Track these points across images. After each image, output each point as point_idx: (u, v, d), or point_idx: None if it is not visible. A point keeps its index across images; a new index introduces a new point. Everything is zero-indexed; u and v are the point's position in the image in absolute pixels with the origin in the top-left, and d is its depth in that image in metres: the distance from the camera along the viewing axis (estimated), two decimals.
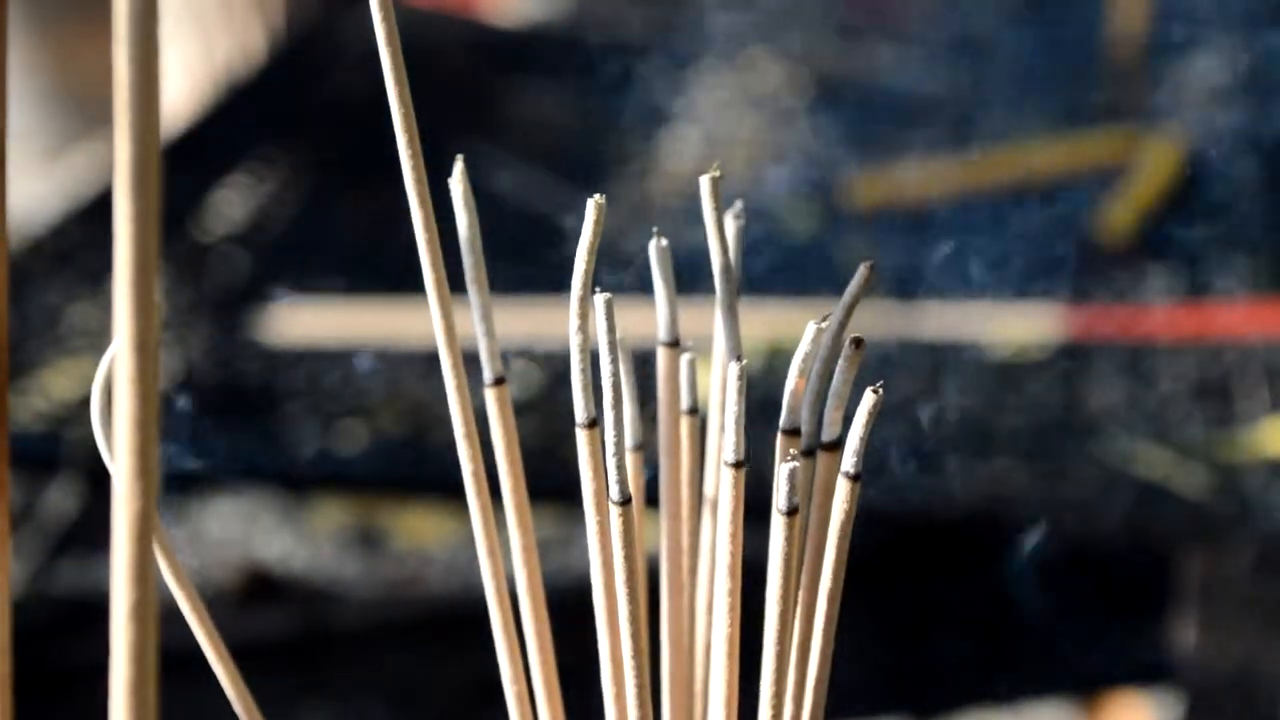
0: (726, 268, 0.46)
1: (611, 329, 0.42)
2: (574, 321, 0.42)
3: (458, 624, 1.14)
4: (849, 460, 0.42)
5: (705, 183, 0.45)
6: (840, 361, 0.43)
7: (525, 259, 1.35)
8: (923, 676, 1.28)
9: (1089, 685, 1.37)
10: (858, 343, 0.43)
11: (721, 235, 0.46)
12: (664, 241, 0.47)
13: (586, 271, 0.42)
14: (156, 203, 0.30)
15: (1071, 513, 1.13)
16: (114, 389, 0.31)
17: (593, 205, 0.42)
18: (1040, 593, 1.26)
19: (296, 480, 1.22)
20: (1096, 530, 1.14)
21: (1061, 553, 1.23)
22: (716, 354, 0.48)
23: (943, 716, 1.29)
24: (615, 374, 0.41)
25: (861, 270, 0.43)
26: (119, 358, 0.30)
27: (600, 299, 0.42)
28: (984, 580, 1.25)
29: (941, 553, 1.23)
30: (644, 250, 0.48)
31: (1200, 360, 1.28)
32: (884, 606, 1.24)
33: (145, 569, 0.30)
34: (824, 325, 0.43)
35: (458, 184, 0.45)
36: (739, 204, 0.48)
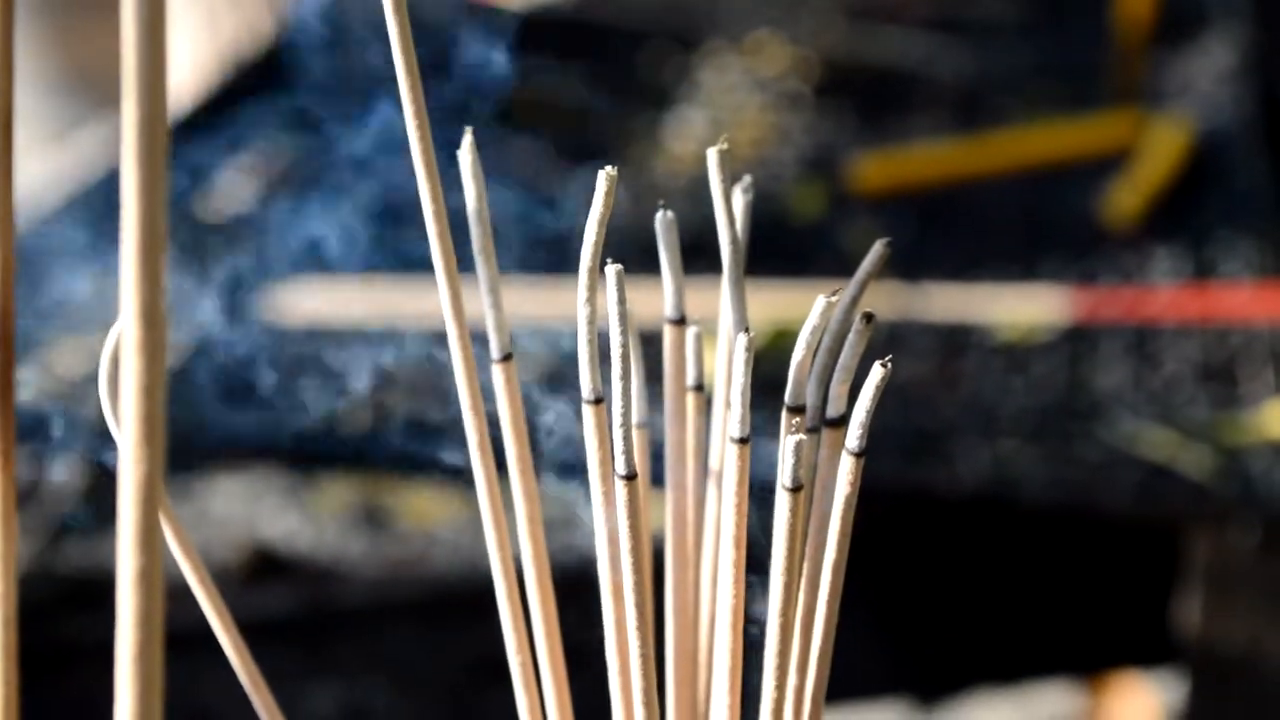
0: (734, 241, 0.46)
1: (621, 301, 0.41)
2: (582, 294, 0.42)
3: (462, 603, 1.14)
4: (854, 437, 0.42)
5: (713, 155, 0.45)
6: (850, 336, 0.42)
7: (531, 239, 1.35)
8: (927, 657, 1.29)
9: (1093, 665, 1.37)
10: (868, 318, 0.42)
11: (729, 208, 0.45)
12: (670, 214, 0.46)
13: (596, 243, 0.42)
14: (164, 169, 0.30)
15: (1076, 494, 1.13)
16: (121, 355, 0.31)
17: (604, 177, 0.42)
18: (1044, 573, 1.26)
19: (302, 459, 1.22)
20: (1101, 511, 1.14)
21: (1066, 533, 1.23)
22: (722, 331, 0.48)
23: (947, 697, 1.29)
24: (624, 345, 0.41)
25: (877, 247, 0.42)
26: (126, 324, 0.30)
27: (611, 270, 0.41)
28: (989, 561, 1.25)
29: (947, 533, 1.23)
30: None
31: (1206, 343, 1.28)
32: (888, 588, 1.24)
33: (151, 535, 0.30)
34: (833, 299, 0.42)
35: (466, 155, 0.45)
36: (747, 178, 0.48)
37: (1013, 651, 1.27)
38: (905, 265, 1.39)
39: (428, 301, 1.26)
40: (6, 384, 0.44)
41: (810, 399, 0.44)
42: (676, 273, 0.47)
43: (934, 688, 1.28)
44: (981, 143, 1.64)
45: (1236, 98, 1.70)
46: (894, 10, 1.98)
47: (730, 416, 0.43)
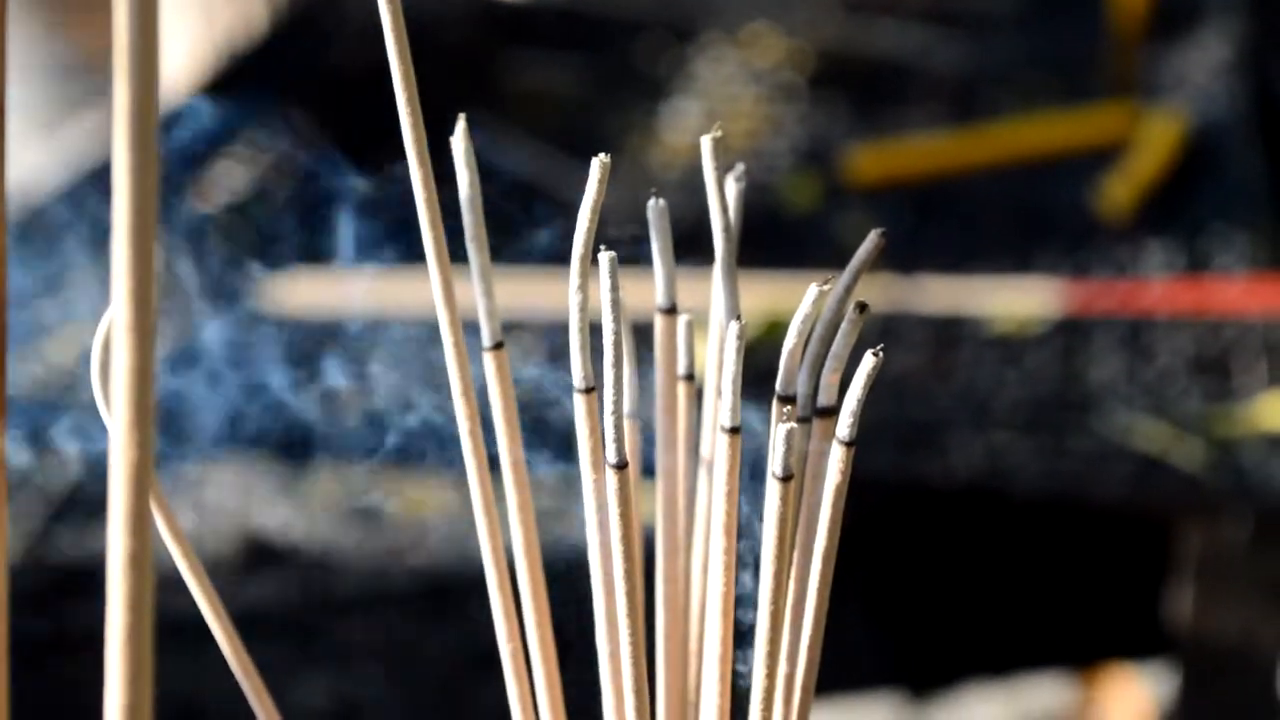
0: (726, 228, 0.46)
1: (615, 287, 0.41)
2: (574, 280, 0.42)
3: (454, 593, 1.14)
4: (845, 425, 0.42)
5: (706, 143, 0.45)
6: (843, 325, 0.42)
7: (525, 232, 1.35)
8: (920, 649, 1.29)
9: (1085, 658, 1.37)
10: (862, 307, 0.42)
11: (722, 196, 0.45)
12: (661, 202, 0.46)
13: (589, 230, 0.42)
14: (155, 152, 0.30)
15: (1069, 486, 1.13)
16: (111, 339, 0.31)
17: (597, 164, 0.41)
18: (1037, 565, 1.26)
19: (295, 450, 1.22)
20: (1094, 503, 1.14)
21: (1058, 525, 1.23)
22: (714, 320, 0.47)
23: (940, 689, 1.29)
24: (617, 333, 0.41)
25: (872, 237, 0.42)
26: (117, 307, 0.30)
27: (605, 256, 0.41)
28: (982, 553, 1.26)
29: (940, 525, 1.23)
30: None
31: (1199, 335, 1.28)
32: (881, 580, 1.24)
33: (141, 518, 0.30)
34: (826, 288, 0.42)
35: (459, 141, 0.44)
36: (740, 166, 0.48)
37: (1005, 644, 1.27)
38: (899, 257, 1.39)
39: (421, 291, 1.26)
40: (0, 372, 0.44)
41: (801, 388, 0.44)
42: (668, 260, 0.47)
43: (927, 680, 1.29)
44: (976, 135, 1.64)
45: (1231, 91, 1.70)
46: (889, 2, 1.98)
47: (721, 405, 0.43)
